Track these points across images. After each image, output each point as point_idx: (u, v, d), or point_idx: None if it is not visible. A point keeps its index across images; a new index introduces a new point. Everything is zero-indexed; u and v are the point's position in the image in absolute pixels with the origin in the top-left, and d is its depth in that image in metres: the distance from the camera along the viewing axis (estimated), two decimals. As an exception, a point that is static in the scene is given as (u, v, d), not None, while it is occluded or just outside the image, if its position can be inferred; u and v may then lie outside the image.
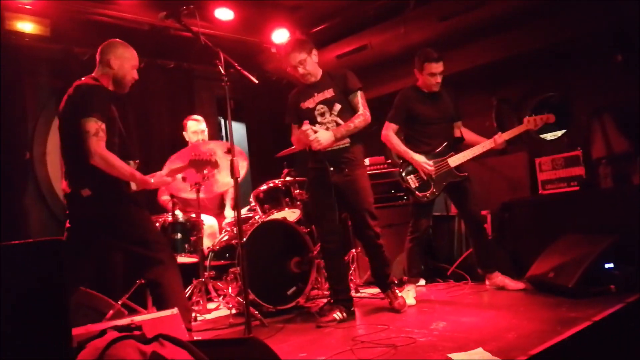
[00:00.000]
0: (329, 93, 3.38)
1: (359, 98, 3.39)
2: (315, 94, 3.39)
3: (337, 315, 3.27)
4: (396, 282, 3.49)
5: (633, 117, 4.28)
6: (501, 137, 3.84)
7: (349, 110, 3.37)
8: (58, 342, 1.21)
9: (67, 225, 2.81)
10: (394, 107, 3.90)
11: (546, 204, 4.44)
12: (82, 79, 2.82)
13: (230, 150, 2.66)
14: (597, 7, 4.22)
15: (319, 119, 3.34)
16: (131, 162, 2.82)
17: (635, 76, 4.28)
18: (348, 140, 3.36)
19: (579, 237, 3.62)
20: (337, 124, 3.33)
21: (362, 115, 3.34)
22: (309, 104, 3.39)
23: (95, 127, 2.60)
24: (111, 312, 3.65)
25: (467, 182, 3.86)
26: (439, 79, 3.81)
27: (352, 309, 3.43)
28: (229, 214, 4.52)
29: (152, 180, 2.80)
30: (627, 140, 4.28)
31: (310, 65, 3.38)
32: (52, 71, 4.72)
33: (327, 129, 3.31)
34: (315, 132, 3.22)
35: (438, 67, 3.76)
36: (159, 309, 2.62)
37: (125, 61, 2.85)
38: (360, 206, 3.35)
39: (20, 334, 1.14)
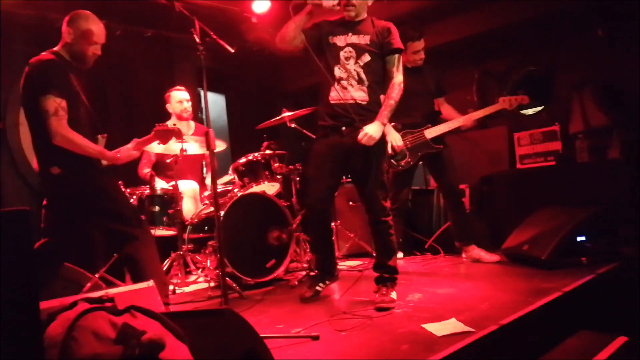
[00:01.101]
0: (364, 39, 2.97)
1: (397, 61, 2.98)
2: (350, 34, 2.97)
3: (320, 286, 3.16)
4: (396, 278, 3.05)
5: (612, 91, 4.32)
6: (471, 117, 3.86)
7: (377, 67, 2.98)
8: (25, 314, 1.20)
9: (44, 202, 2.77)
10: None
11: (525, 177, 4.50)
12: (42, 54, 2.70)
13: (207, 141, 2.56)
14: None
15: (341, 61, 2.95)
16: (99, 137, 2.76)
17: (616, 51, 4.31)
18: (366, 97, 2.96)
19: (554, 209, 3.69)
20: (359, 77, 2.94)
21: (399, 86, 2.95)
22: (338, 40, 2.97)
23: (54, 106, 2.51)
24: (88, 284, 3.65)
25: (444, 154, 3.89)
26: (422, 54, 3.87)
27: (336, 274, 3.32)
28: (209, 182, 4.51)
29: (118, 155, 2.74)
30: (605, 114, 4.32)
31: (361, 3, 2.98)
32: (26, 38, 4.55)
33: (346, 78, 2.94)
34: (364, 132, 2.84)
35: (420, 44, 3.83)
36: (136, 283, 2.61)
37: (83, 35, 2.70)
38: (371, 171, 2.95)
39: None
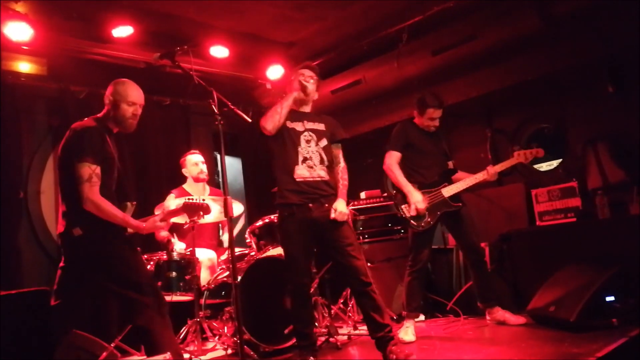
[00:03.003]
0: (320, 126, 3.33)
1: (341, 150, 3.39)
2: (305, 121, 3.30)
3: None
4: (395, 337, 3.06)
5: (627, 146, 4.31)
6: (493, 169, 3.87)
7: (329, 150, 3.32)
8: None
9: (61, 264, 2.77)
10: (393, 137, 3.94)
11: (544, 235, 4.41)
12: (84, 120, 2.81)
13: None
14: (588, 39, 4.30)
15: (302, 144, 3.23)
16: (128, 203, 2.80)
17: (627, 107, 4.33)
18: (326, 173, 3.26)
19: (578, 268, 3.59)
20: (321, 157, 3.24)
21: (346, 170, 3.36)
22: (296, 125, 3.27)
23: (89, 172, 2.59)
24: (104, 354, 3.58)
25: (464, 212, 3.86)
26: (437, 122, 3.95)
27: (317, 354, 3.30)
28: (225, 238, 4.50)
29: (144, 225, 2.76)
30: (622, 170, 4.28)
31: (314, 91, 3.36)
32: (48, 109, 4.75)
33: (310, 158, 3.20)
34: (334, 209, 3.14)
35: (438, 112, 3.91)
36: (149, 354, 2.57)
37: (120, 98, 2.82)
38: (345, 239, 3.15)
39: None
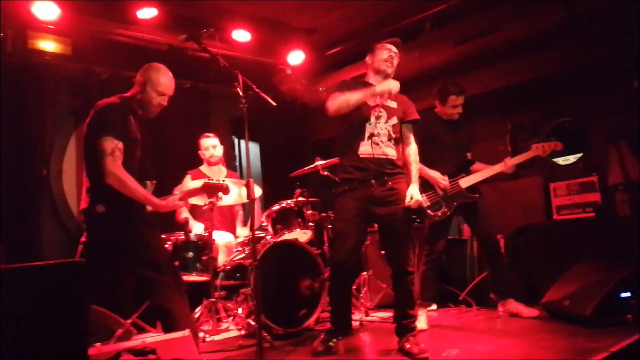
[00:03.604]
0: (392, 104, 3.17)
1: (412, 132, 3.26)
2: (379, 97, 3.12)
3: (333, 342, 3.10)
4: (416, 329, 3.03)
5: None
6: (510, 161, 3.86)
7: (399, 130, 3.18)
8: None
9: (83, 239, 2.82)
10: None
11: (561, 229, 4.39)
12: (110, 97, 2.82)
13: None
14: (613, 33, 4.23)
15: (372, 120, 3.10)
16: (147, 182, 2.83)
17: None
18: (394, 151, 3.13)
19: (595, 264, 3.56)
20: (389, 135, 3.10)
21: (417, 152, 3.23)
22: (368, 100, 3.11)
23: (112, 146, 2.61)
24: (120, 330, 3.65)
25: (480, 204, 3.86)
26: (460, 109, 3.92)
27: (351, 330, 3.30)
28: (240, 232, 4.54)
29: (163, 203, 2.79)
30: (644, 168, 4.23)
31: (393, 70, 3.20)
32: (71, 89, 4.80)
33: (377, 135, 3.07)
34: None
35: (460, 99, 3.88)
36: (167, 332, 2.57)
37: (151, 85, 2.82)
38: (401, 222, 3.05)
39: (39, 355, 1.15)
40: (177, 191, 3.36)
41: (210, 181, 2.94)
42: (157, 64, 2.89)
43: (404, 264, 3.03)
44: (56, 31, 4.43)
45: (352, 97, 3.03)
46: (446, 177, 3.79)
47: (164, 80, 2.85)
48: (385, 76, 3.16)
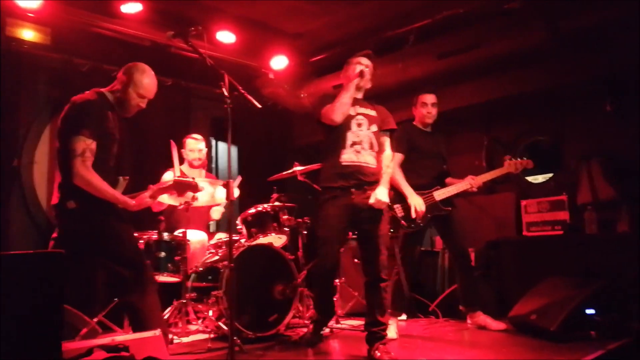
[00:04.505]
0: (372, 112, 3.29)
1: (388, 139, 3.32)
2: (357, 106, 3.25)
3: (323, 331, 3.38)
4: (386, 338, 3.08)
5: (620, 165, 4.38)
6: (477, 180, 3.91)
7: (379, 138, 3.27)
8: (51, 356, 1.18)
9: (54, 235, 2.77)
10: (398, 139, 3.95)
11: (532, 245, 4.48)
12: (86, 92, 2.77)
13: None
14: (591, 57, 4.37)
15: (354, 127, 3.20)
16: (120, 178, 2.79)
17: (623, 126, 4.41)
18: (374, 159, 3.23)
19: (562, 280, 3.65)
20: (371, 142, 3.21)
21: (391, 158, 3.30)
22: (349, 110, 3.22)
23: (83, 147, 2.57)
24: (85, 329, 3.57)
25: (454, 216, 3.92)
26: (430, 109, 3.96)
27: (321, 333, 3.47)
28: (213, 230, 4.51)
29: (133, 202, 2.74)
30: (612, 188, 4.36)
31: (369, 80, 3.31)
32: (49, 80, 4.70)
33: (360, 142, 3.18)
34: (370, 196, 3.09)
35: (430, 97, 3.95)
36: (136, 331, 2.56)
37: (133, 86, 2.78)
38: (377, 230, 3.15)
39: (14, 346, 1.12)
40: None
41: (181, 178, 2.90)
42: (142, 65, 2.85)
43: (379, 271, 3.11)
44: (36, 20, 4.34)
45: (344, 97, 3.14)
46: (424, 207, 3.77)
47: (147, 82, 2.82)
48: (360, 89, 3.28)
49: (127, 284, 2.68)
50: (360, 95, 3.34)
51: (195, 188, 3.03)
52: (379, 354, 2.91)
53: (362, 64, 3.28)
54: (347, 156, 3.15)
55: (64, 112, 2.73)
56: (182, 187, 2.99)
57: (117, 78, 2.82)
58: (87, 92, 2.79)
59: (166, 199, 3.42)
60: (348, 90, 3.16)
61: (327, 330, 3.36)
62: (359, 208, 3.12)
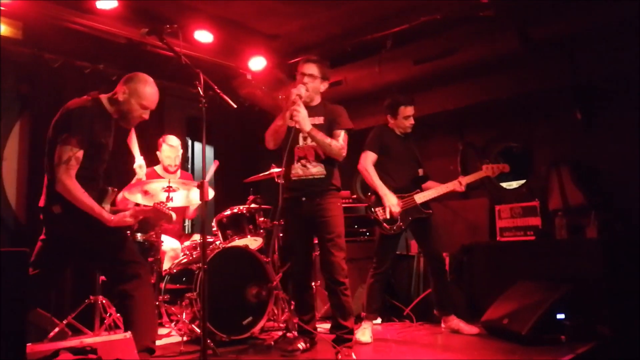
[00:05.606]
0: (318, 120, 3.31)
1: (343, 136, 3.29)
2: (296, 103, 3.20)
3: (301, 345, 3.27)
4: (352, 341, 3.20)
5: (589, 172, 4.48)
6: (464, 180, 3.98)
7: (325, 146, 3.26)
8: (15, 358, 1.14)
9: (42, 237, 2.75)
10: (370, 138, 3.97)
11: (504, 250, 4.54)
12: (82, 97, 2.73)
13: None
14: (562, 65, 4.47)
15: (300, 142, 3.28)
16: (109, 188, 2.76)
17: (592, 134, 4.52)
18: (324, 171, 3.27)
19: (533, 284, 3.72)
20: (316, 154, 3.26)
21: (341, 146, 3.24)
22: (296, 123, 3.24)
23: (68, 155, 2.55)
24: (54, 330, 3.49)
25: (430, 221, 3.95)
26: (412, 120, 4.00)
27: (315, 340, 3.42)
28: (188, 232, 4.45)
29: (112, 218, 2.67)
30: (582, 194, 4.45)
31: (314, 89, 3.32)
32: (19, 75, 4.57)
33: (305, 156, 3.27)
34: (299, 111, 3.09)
35: (411, 110, 3.97)
36: (126, 321, 2.59)
37: (135, 97, 2.74)
38: (326, 234, 3.23)
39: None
40: (126, 192, 3.27)
41: (160, 207, 2.84)
42: (143, 75, 2.81)
43: (334, 273, 3.17)
44: (6, 13, 4.21)
45: (276, 125, 3.23)
46: (399, 206, 3.80)
47: (150, 93, 2.79)
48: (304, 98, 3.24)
49: (122, 277, 2.65)
50: (316, 102, 3.38)
51: (169, 219, 2.96)
52: (340, 357, 2.97)
53: (306, 74, 3.29)
54: (295, 171, 3.29)
55: (56, 116, 2.71)
56: (159, 214, 2.94)
57: (117, 88, 2.78)
58: (84, 97, 2.76)
59: (140, 200, 3.36)
60: (281, 119, 3.19)
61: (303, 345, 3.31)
62: (308, 216, 3.26)
